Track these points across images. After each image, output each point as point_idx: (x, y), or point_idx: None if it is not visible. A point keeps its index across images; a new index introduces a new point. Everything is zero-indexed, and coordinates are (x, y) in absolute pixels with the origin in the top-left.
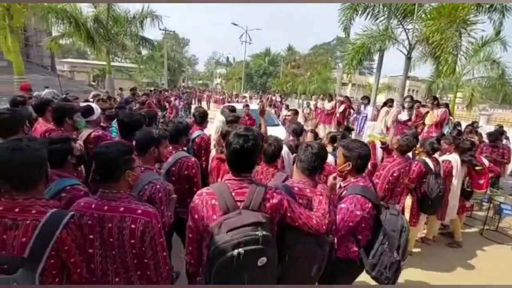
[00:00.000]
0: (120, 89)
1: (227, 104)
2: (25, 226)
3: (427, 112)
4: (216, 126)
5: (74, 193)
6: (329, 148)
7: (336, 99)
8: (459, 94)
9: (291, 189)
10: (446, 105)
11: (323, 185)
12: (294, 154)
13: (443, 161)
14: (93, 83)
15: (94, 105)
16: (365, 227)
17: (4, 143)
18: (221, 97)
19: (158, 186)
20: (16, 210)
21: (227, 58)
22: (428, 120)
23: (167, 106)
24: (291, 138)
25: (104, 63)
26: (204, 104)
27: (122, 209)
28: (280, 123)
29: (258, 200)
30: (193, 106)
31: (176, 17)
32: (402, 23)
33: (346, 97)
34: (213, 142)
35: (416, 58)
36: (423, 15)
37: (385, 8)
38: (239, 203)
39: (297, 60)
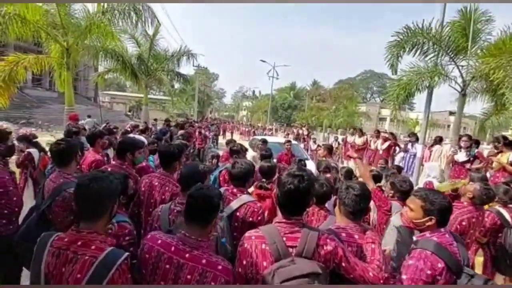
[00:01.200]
0: (155, 119)
1: (257, 136)
2: (82, 262)
3: (499, 153)
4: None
5: (119, 230)
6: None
7: (366, 134)
8: None
9: (338, 234)
10: None
11: (373, 232)
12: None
13: None
14: (129, 113)
15: (141, 138)
16: None
17: (87, 173)
18: (247, 129)
19: None
20: (79, 243)
21: (253, 92)
22: (497, 164)
23: (197, 136)
24: (328, 175)
25: (141, 95)
26: (228, 135)
27: (204, 261)
28: (309, 157)
29: (311, 246)
30: (220, 137)
31: (207, 55)
32: (454, 60)
33: (391, 133)
34: None
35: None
36: (478, 51)
37: (435, 46)
38: (291, 249)
39: (322, 94)
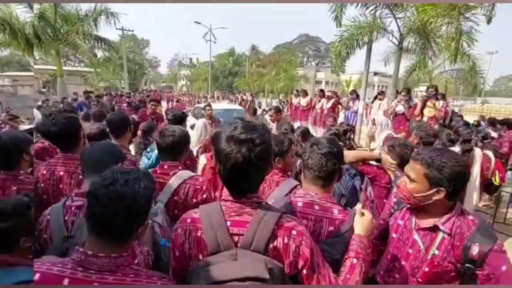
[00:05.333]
0: (75, 93)
1: (200, 104)
2: None
3: (425, 103)
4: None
5: None
6: None
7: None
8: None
9: (293, 206)
10: (443, 96)
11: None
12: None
13: None
14: (43, 90)
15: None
16: None
17: None
18: (188, 99)
19: None
20: None
21: (190, 59)
22: (429, 112)
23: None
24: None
25: (53, 67)
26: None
27: None
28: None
29: (263, 235)
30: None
31: (133, 17)
32: (393, 12)
33: (334, 92)
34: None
35: (390, 53)
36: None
37: None
38: (236, 238)
39: (261, 59)
